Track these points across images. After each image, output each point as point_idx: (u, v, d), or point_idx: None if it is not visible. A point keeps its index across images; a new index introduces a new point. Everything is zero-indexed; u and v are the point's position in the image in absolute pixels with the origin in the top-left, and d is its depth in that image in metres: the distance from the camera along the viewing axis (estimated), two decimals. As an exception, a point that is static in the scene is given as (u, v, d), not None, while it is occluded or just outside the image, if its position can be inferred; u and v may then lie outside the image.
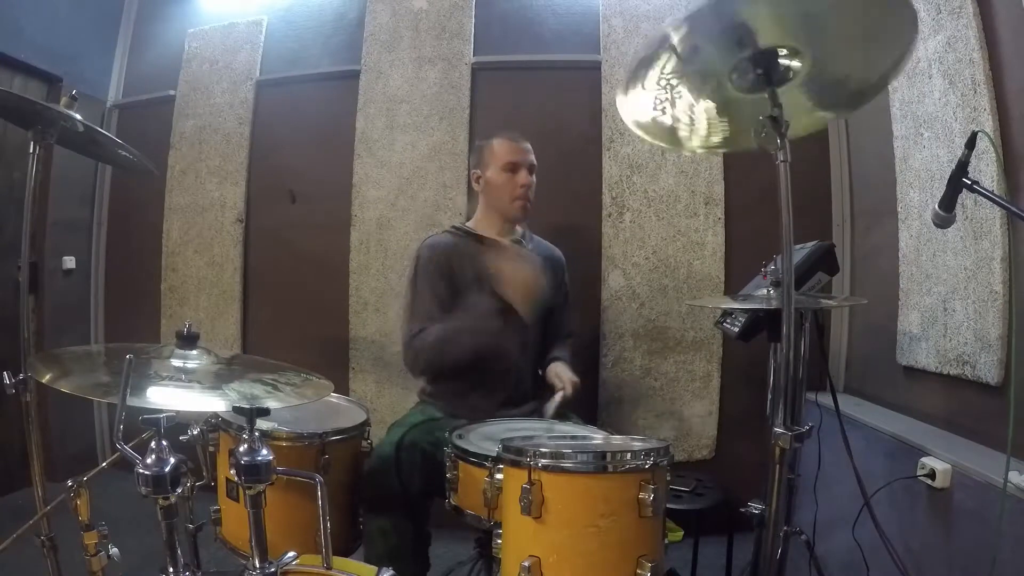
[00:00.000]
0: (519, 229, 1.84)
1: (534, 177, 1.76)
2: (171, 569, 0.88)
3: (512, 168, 1.73)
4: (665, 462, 1.05)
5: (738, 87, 1.04)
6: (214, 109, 2.70)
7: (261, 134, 2.67)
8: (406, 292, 1.73)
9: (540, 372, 1.83)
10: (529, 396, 1.76)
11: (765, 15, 0.95)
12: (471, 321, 1.62)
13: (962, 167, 1.13)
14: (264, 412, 0.92)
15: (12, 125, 1.30)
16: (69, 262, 2.75)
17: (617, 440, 1.27)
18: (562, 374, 1.69)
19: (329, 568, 0.95)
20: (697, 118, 1.16)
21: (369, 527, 1.44)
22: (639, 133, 1.20)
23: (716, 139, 1.23)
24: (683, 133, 1.21)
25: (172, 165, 2.72)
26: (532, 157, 1.76)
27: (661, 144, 1.27)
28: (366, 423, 1.45)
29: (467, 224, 1.81)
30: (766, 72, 0.98)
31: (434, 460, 1.42)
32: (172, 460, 0.84)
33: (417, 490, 1.44)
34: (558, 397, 1.60)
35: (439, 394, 1.73)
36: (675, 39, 0.98)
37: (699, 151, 1.27)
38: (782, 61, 0.99)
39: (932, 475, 1.43)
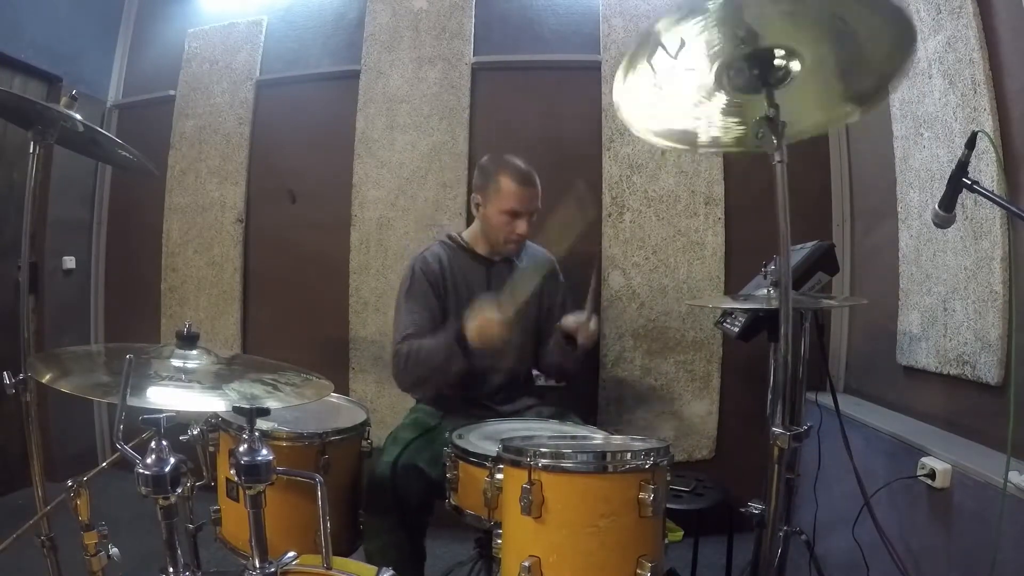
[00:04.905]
0: None
1: (535, 218, 1.70)
2: (171, 569, 0.88)
3: (513, 215, 1.66)
4: (665, 462, 1.05)
5: (734, 86, 1.03)
6: (214, 109, 2.70)
7: (261, 134, 2.67)
8: (398, 303, 1.71)
9: (536, 371, 1.87)
10: (523, 394, 1.79)
11: (769, 15, 0.94)
12: (457, 334, 1.52)
13: (962, 167, 1.13)
14: (264, 412, 0.92)
15: (12, 125, 1.30)
16: (69, 262, 2.75)
17: (617, 440, 1.27)
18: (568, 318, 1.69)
19: (329, 568, 0.95)
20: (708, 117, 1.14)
21: (369, 547, 1.44)
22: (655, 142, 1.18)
23: (728, 139, 1.21)
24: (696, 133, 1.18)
25: (172, 165, 2.72)
26: (538, 202, 1.68)
27: (672, 145, 1.25)
28: (366, 423, 1.46)
29: (463, 235, 1.81)
30: (762, 72, 0.97)
31: (430, 478, 1.42)
32: (172, 460, 0.84)
33: (414, 509, 1.44)
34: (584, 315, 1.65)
35: (434, 396, 1.74)
36: (663, 36, 0.96)
37: (709, 150, 1.24)
38: (778, 62, 0.98)
39: (932, 475, 1.43)
